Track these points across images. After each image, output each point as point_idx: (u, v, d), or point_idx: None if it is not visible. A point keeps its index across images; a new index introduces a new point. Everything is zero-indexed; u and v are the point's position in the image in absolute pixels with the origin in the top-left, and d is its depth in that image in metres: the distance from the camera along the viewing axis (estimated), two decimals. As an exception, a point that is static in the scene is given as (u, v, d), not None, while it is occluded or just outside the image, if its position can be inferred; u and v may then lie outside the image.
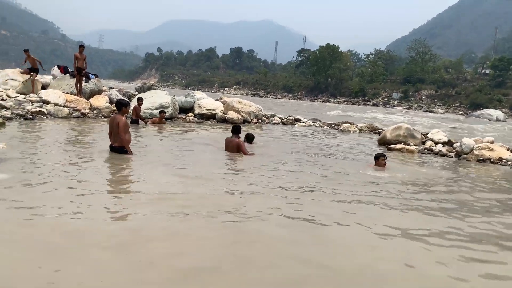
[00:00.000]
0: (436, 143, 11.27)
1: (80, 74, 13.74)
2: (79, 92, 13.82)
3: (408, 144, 10.77)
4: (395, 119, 26.22)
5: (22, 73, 14.57)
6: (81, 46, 14.24)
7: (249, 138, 8.87)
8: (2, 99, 12.15)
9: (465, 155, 9.67)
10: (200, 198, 4.65)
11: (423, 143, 11.46)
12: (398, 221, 4.32)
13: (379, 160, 7.28)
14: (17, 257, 2.87)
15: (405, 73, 73.14)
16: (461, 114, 46.70)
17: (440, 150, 10.45)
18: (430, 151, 10.52)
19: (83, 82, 14.04)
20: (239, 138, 7.73)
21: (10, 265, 2.75)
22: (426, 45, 78.84)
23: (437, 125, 22.39)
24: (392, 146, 10.63)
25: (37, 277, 2.62)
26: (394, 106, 58.64)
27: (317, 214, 4.31)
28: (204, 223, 3.83)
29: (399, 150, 10.37)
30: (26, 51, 14.10)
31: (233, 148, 7.56)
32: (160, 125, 11.92)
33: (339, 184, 5.87)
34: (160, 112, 12.42)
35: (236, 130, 7.76)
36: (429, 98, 63.04)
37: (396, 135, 11.12)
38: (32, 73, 14.13)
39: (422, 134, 12.07)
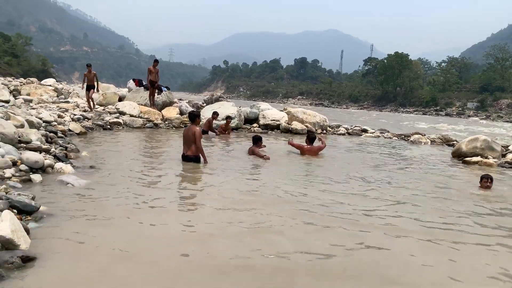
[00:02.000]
0: (519, 156, 10.40)
1: (153, 86, 14.56)
2: (152, 103, 14.64)
3: (486, 157, 10.05)
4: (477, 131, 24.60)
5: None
6: (156, 61, 15.08)
7: (311, 139, 9.27)
8: (85, 111, 13.21)
9: (552, 170, 8.83)
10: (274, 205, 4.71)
11: (503, 156, 10.63)
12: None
13: (481, 182, 6.78)
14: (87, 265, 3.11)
15: (482, 81, 68.35)
16: (548, 125, 42.71)
17: (523, 164, 9.64)
18: (511, 164, 9.74)
19: (155, 94, 14.85)
20: (259, 145, 8.65)
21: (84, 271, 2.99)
22: (507, 51, 73.09)
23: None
24: (467, 159, 9.99)
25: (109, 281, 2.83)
26: (469, 116, 55.09)
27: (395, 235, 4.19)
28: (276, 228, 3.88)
29: (476, 163, 9.71)
30: (89, 66, 14.20)
31: (250, 152, 8.50)
32: (226, 136, 12.17)
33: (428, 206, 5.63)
34: (226, 118, 12.76)
35: (254, 140, 8.76)
36: (510, 108, 58.37)
37: (473, 147, 10.42)
38: (92, 90, 13.92)
39: (502, 146, 11.22)
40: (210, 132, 12.08)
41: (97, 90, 14.54)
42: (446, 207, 5.30)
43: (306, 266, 3.21)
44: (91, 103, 13.95)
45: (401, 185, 6.59)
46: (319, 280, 3.00)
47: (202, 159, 7.16)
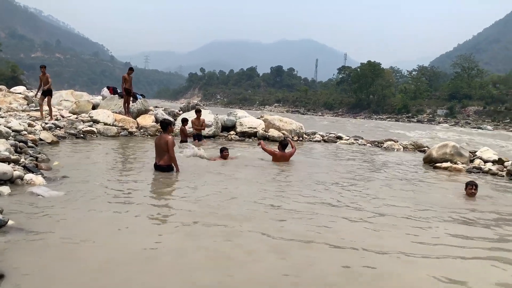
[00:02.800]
0: (486, 161, 10.76)
1: (128, 94, 14.38)
2: (127, 111, 14.43)
3: (455, 163, 10.36)
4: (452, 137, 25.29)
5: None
6: (131, 69, 14.96)
7: (284, 145, 9.40)
8: (57, 119, 12.90)
9: (518, 174, 9.17)
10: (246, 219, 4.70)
11: (471, 161, 10.98)
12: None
13: (467, 189, 6.78)
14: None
15: (450, 89, 70.80)
16: (513, 131, 44.38)
17: (490, 169, 9.96)
18: (479, 170, 10.05)
19: (130, 102, 14.67)
20: (224, 155, 8.96)
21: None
22: (472, 60, 76.04)
23: (486, 142, 21.41)
24: (438, 164, 10.28)
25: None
26: (439, 123, 56.70)
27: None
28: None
29: (446, 168, 10.00)
30: (42, 67, 13.03)
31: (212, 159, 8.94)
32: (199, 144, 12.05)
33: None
34: (196, 111, 12.82)
35: (220, 150, 9.13)
36: (477, 115, 60.49)
37: (443, 153, 10.74)
38: (48, 96, 12.78)
39: (470, 152, 11.59)
40: (188, 139, 12.05)
41: (43, 95, 12.83)
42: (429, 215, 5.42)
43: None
44: (43, 111, 12.75)
45: (376, 193, 6.66)
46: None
47: (174, 168, 7.06)
